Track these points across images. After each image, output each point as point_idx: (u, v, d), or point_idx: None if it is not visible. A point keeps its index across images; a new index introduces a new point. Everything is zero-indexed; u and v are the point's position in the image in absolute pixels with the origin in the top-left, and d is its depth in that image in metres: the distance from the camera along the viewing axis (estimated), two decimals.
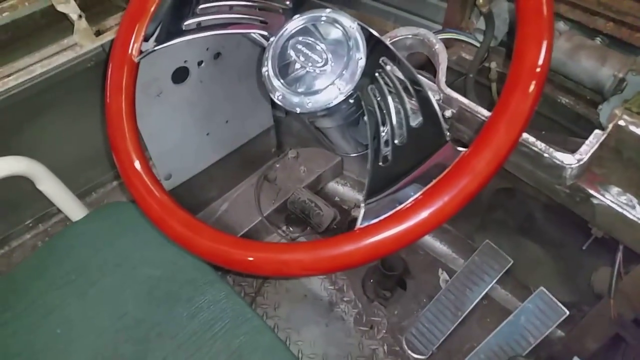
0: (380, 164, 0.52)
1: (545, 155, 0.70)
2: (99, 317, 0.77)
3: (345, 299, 1.36)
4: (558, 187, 0.80)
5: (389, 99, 0.55)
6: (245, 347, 0.74)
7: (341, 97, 0.57)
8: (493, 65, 0.90)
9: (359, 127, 0.68)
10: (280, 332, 1.30)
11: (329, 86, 0.57)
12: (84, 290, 0.80)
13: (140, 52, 0.65)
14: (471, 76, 0.91)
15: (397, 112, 0.54)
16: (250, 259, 0.51)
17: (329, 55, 0.58)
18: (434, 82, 0.76)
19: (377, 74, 0.57)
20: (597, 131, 0.68)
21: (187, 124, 1.15)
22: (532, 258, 1.23)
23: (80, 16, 0.81)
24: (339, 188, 1.53)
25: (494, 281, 1.21)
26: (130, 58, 0.65)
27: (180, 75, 1.06)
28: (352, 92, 0.57)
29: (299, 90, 0.59)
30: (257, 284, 1.36)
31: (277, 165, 1.45)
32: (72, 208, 0.86)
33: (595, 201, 0.76)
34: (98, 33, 0.84)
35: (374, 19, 1.11)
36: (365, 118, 0.55)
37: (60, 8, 0.80)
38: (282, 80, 0.59)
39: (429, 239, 1.44)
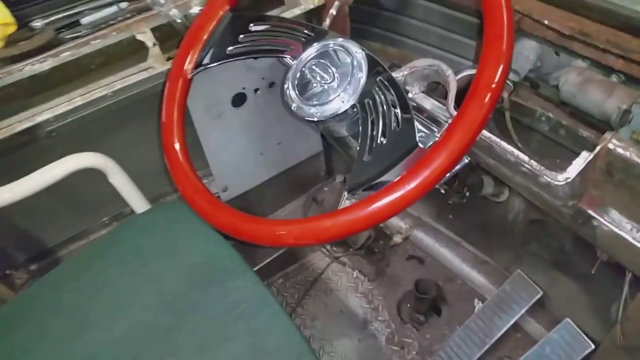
0: (365, 159, 0.62)
1: (537, 172, 0.77)
2: (145, 292, 0.91)
3: (379, 318, 1.43)
4: (563, 210, 0.85)
5: (380, 108, 0.66)
6: (264, 327, 0.84)
7: (344, 107, 0.69)
8: (505, 95, 0.97)
9: None
10: (314, 342, 1.38)
11: (335, 98, 0.70)
12: (136, 269, 0.95)
13: (193, 71, 0.81)
14: None
15: (384, 119, 0.64)
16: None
17: (337, 74, 0.71)
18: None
19: (373, 90, 0.68)
20: (584, 152, 0.74)
21: (243, 143, 1.31)
22: (565, 291, 1.24)
23: (154, 44, 1.00)
24: None
25: (523, 311, 1.23)
26: (185, 74, 0.81)
27: (239, 100, 1.23)
28: (353, 103, 0.68)
29: (314, 103, 0.72)
30: (298, 296, 1.47)
31: (325, 189, 1.57)
32: (137, 201, 1.03)
33: (595, 222, 0.81)
34: (169, 59, 1.03)
35: (412, 56, 1.22)
36: (360, 122, 0.66)
37: (139, 37, 0.99)
38: (298, 94, 0.73)
39: (466, 269, 1.48)
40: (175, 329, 0.86)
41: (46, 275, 0.97)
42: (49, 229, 1.29)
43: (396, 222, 1.61)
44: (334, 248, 1.54)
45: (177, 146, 0.74)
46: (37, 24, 1.02)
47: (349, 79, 0.69)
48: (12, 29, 0.95)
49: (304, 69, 0.73)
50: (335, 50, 0.74)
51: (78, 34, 1.02)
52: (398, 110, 0.64)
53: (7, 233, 1.24)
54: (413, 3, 1.19)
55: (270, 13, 1.12)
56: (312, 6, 1.12)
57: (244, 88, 1.22)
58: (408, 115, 0.64)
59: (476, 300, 1.42)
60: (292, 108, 0.72)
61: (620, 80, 0.92)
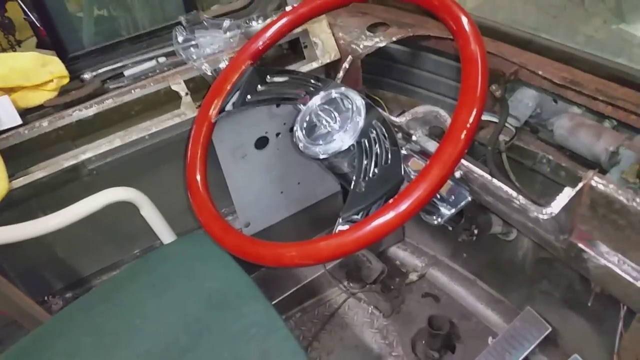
0: (358, 190, 0.71)
1: (525, 207, 0.83)
2: (168, 314, 0.99)
3: (394, 353, 1.46)
4: (557, 244, 0.91)
5: (374, 146, 0.75)
6: (273, 349, 0.91)
7: (345, 146, 0.78)
8: (501, 138, 1.04)
9: None
10: None
11: (337, 138, 0.79)
12: (161, 293, 1.03)
13: (217, 115, 0.93)
14: (489, 148, 1.06)
15: (377, 156, 0.73)
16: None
17: (338, 118, 0.80)
18: None
19: (369, 131, 0.77)
20: (567, 189, 0.81)
21: (265, 183, 1.41)
22: (574, 327, 1.27)
23: (186, 93, 1.12)
24: (399, 252, 1.68)
25: (532, 346, 1.26)
26: (209, 119, 0.92)
27: (261, 143, 1.34)
28: (352, 142, 0.78)
29: (319, 142, 0.82)
30: (314, 330, 1.52)
31: None
32: (165, 233, 1.13)
33: (585, 256, 0.86)
34: (199, 106, 1.15)
35: (420, 103, 1.31)
36: (357, 158, 0.75)
37: (174, 87, 1.12)
38: (305, 135, 0.82)
39: (480, 307, 1.51)
40: (193, 348, 0.93)
41: (80, 298, 1.07)
42: (85, 260, 1.40)
43: (412, 260, 1.66)
44: (351, 284, 1.60)
45: (198, 178, 0.84)
46: (87, 75, 1.17)
47: (349, 121, 0.79)
48: (66, 80, 1.09)
49: (311, 113, 0.83)
50: (340, 98, 0.84)
51: (121, 84, 1.16)
52: (388, 147, 0.73)
53: (47, 262, 1.36)
54: (423, 57, 1.30)
55: (291, 66, 1.24)
56: (328, 60, 1.24)
57: (266, 132, 1.33)
58: (396, 149, 0.72)
59: (490, 339, 1.44)
60: (300, 147, 0.82)
61: (612, 125, 0.98)
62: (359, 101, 0.80)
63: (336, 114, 0.81)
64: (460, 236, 1.30)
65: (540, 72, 1.02)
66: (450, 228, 1.22)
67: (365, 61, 1.23)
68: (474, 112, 0.65)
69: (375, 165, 0.72)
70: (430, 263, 1.64)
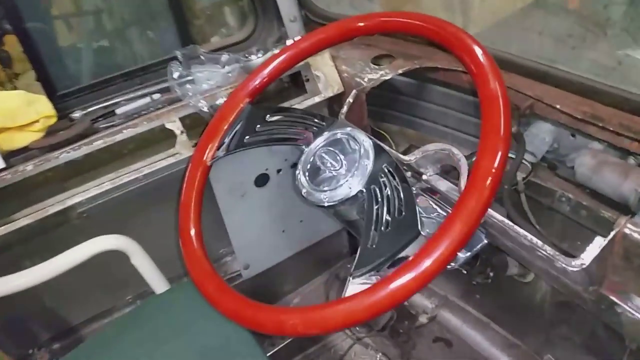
0: (369, 246, 0.63)
1: (552, 257, 0.76)
2: None
3: None
4: (585, 295, 0.83)
5: (385, 195, 0.67)
6: None
7: (352, 192, 0.71)
8: (519, 178, 0.97)
9: None
10: None
11: (344, 184, 0.72)
12: (152, 351, 0.95)
13: (212, 158, 0.86)
14: (506, 187, 0.99)
15: (389, 206, 0.66)
16: None
17: (344, 161, 0.73)
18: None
19: (380, 177, 0.70)
20: (598, 238, 0.73)
21: (266, 222, 1.34)
22: None
23: (182, 132, 1.06)
24: None
25: None
26: (205, 162, 0.85)
27: (262, 180, 1.27)
28: (360, 188, 0.71)
29: (324, 188, 0.75)
30: None
31: (349, 266, 1.57)
32: (157, 282, 1.05)
33: (619, 309, 0.78)
34: (195, 144, 1.08)
35: (430, 138, 1.25)
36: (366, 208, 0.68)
37: (169, 126, 1.06)
38: (308, 179, 0.75)
39: (495, 352, 1.42)
40: None
41: (69, 354, 0.99)
42: (74, 308, 1.32)
43: (422, 301, 1.57)
44: (357, 328, 1.51)
45: (192, 232, 0.77)
46: (76, 114, 1.11)
47: (356, 165, 0.72)
48: (53, 120, 1.03)
49: (314, 156, 0.77)
50: (345, 139, 0.77)
51: (112, 123, 1.09)
52: (402, 195, 0.66)
53: (33, 312, 1.27)
54: (431, 89, 1.24)
55: (293, 101, 1.19)
56: (331, 94, 1.19)
57: (266, 169, 1.26)
58: (410, 198, 0.65)
59: None
60: (302, 193, 0.75)
61: (638, 162, 0.91)
62: (367, 143, 0.73)
63: (342, 157, 0.74)
64: (475, 279, 1.22)
65: (558, 106, 0.95)
66: (465, 272, 1.14)
67: (370, 93, 1.17)
68: (499, 156, 0.58)
69: (388, 215, 0.65)
70: (440, 304, 1.55)
